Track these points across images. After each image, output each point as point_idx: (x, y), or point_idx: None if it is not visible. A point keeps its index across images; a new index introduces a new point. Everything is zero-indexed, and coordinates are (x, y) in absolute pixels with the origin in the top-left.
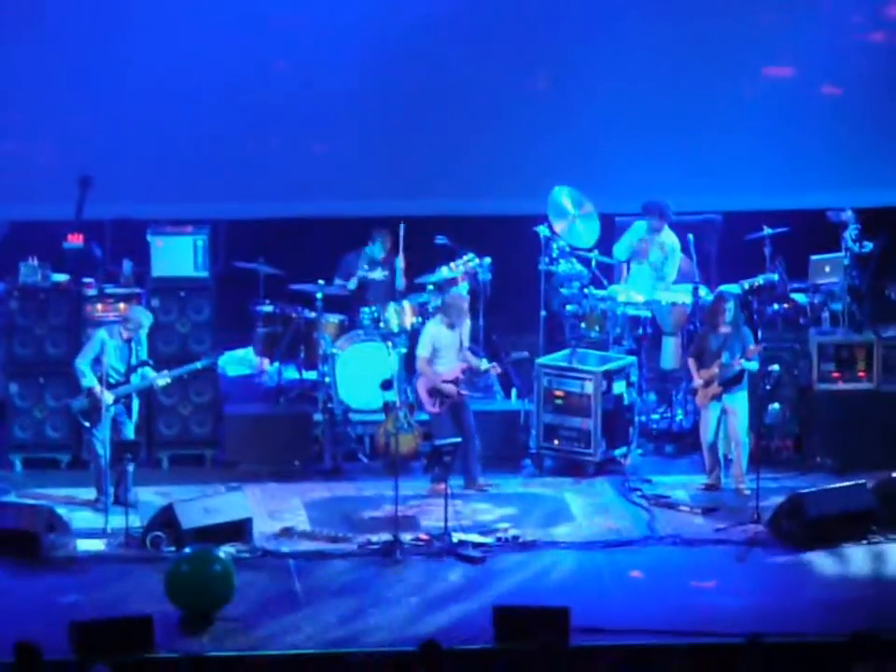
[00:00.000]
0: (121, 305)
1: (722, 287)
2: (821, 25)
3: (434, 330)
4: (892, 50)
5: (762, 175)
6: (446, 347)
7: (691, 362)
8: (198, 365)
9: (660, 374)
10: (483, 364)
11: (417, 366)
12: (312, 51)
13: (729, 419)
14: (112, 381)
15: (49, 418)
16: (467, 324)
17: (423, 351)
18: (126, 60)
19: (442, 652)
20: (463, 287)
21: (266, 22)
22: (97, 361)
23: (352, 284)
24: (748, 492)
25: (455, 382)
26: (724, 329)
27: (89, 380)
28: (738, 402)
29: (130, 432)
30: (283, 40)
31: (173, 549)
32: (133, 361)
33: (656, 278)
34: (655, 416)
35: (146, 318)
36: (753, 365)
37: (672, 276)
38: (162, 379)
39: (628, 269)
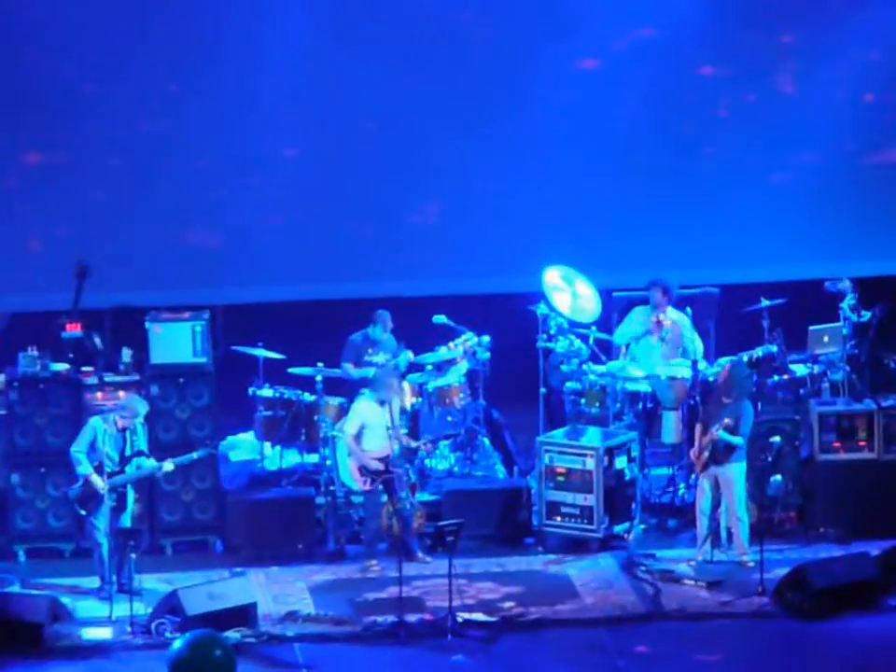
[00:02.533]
0: (121, 393)
1: (739, 358)
2: (812, 97)
3: (363, 407)
4: (885, 114)
5: (758, 248)
6: (375, 425)
7: (697, 429)
8: (194, 455)
9: (662, 449)
10: (413, 442)
11: (345, 442)
12: (311, 134)
13: (723, 492)
14: (107, 469)
15: (51, 508)
16: (396, 401)
17: (350, 428)
18: (120, 148)
19: None
20: (462, 367)
21: (262, 106)
22: (93, 449)
23: (370, 371)
24: (751, 564)
25: (384, 460)
26: (726, 401)
27: (84, 468)
28: (731, 474)
29: (126, 521)
30: (284, 125)
31: (178, 635)
32: (128, 451)
33: (673, 354)
34: (657, 491)
35: (142, 407)
36: (732, 439)
37: (694, 349)
38: (168, 465)
39: (627, 349)
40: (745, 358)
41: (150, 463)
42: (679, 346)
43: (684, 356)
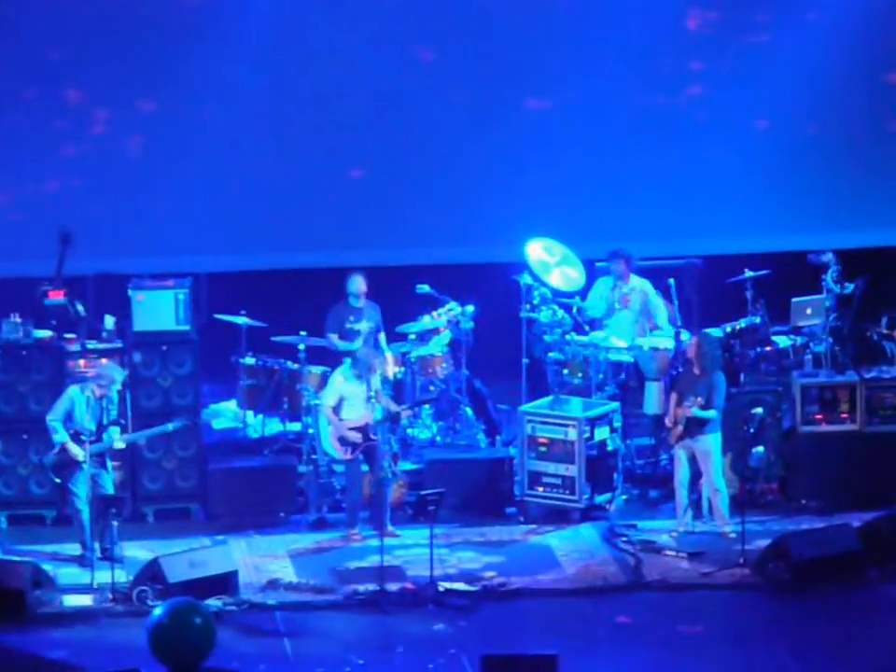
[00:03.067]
0: (103, 361)
1: (706, 331)
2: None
3: (340, 381)
4: (871, 90)
5: (742, 218)
6: (352, 395)
7: (672, 398)
8: (169, 427)
9: (644, 419)
10: (393, 407)
11: (324, 413)
12: (291, 102)
13: (701, 464)
14: (83, 438)
15: (33, 474)
16: (376, 376)
17: (327, 400)
18: (104, 111)
19: None
20: (445, 336)
21: (242, 73)
22: (69, 418)
23: (357, 342)
24: (732, 535)
25: (363, 429)
26: (697, 372)
27: (60, 436)
28: (706, 446)
29: (109, 486)
30: (264, 92)
31: (159, 603)
32: (105, 420)
33: (639, 324)
34: (640, 461)
35: (118, 374)
36: (706, 413)
37: (662, 318)
38: (119, 443)
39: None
40: (727, 329)
41: (117, 436)
42: (649, 313)
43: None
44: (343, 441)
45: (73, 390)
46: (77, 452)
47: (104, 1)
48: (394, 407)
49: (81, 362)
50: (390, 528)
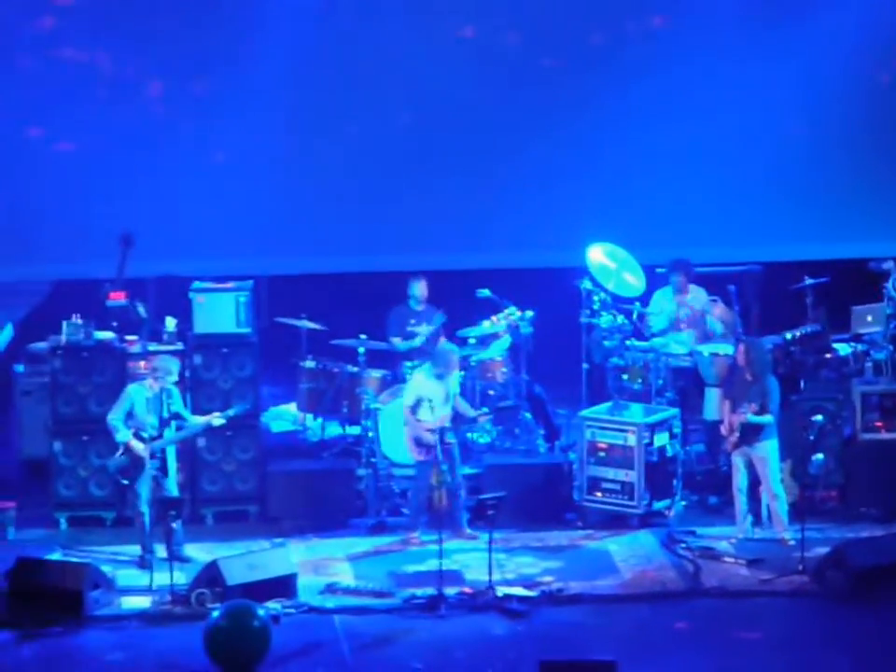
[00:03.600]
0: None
1: (753, 337)
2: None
3: (419, 380)
4: None
5: (803, 226)
6: (430, 397)
7: (725, 406)
8: (230, 413)
9: (704, 426)
10: (471, 412)
11: (404, 413)
12: (352, 107)
13: (759, 471)
14: (146, 435)
15: (93, 476)
16: (455, 374)
17: (407, 400)
18: (167, 116)
19: None
20: (505, 341)
21: (301, 79)
22: (130, 417)
23: (418, 341)
24: (791, 542)
25: (440, 431)
26: (748, 378)
27: (122, 434)
28: (763, 453)
29: (172, 488)
30: (328, 96)
31: (218, 605)
32: (165, 414)
33: (702, 337)
34: (699, 468)
35: (174, 365)
36: (761, 419)
37: (721, 327)
38: (219, 420)
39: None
40: (788, 336)
41: (197, 420)
42: (705, 326)
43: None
44: (418, 441)
45: (132, 387)
46: (139, 448)
47: None
48: (472, 412)
49: (142, 364)
50: (468, 531)
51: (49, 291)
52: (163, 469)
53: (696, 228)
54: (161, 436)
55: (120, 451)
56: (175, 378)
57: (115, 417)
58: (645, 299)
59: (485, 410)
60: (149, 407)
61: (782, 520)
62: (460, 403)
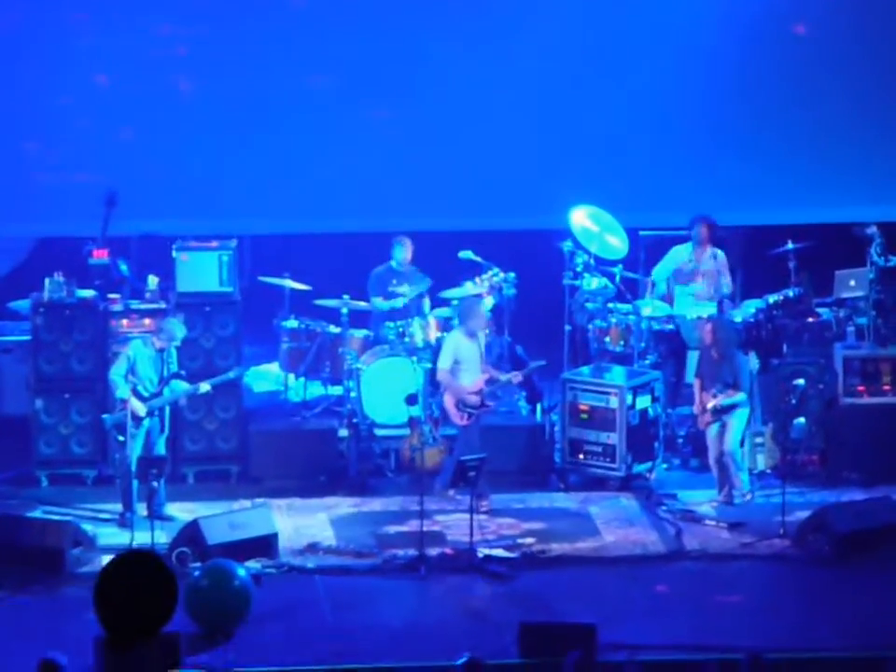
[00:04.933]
0: (146, 321)
1: (718, 315)
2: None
3: (455, 341)
4: None
5: (786, 190)
6: (468, 359)
7: (696, 383)
8: (230, 375)
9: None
10: (503, 375)
11: (439, 378)
12: (338, 69)
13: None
14: (145, 393)
15: (74, 434)
16: (482, 335)
17: (444, 363)
18: (151, 76)
19: (485, 668)
20: (488, 302)
21: (292, 41)
22: (132, 372)
23: (399, 302)
24: (748, 497)
25: (479, 393)
26: (717, 357)
27: (122, 391)
28: (732, 417)
29: (161, 447)
30: (310, 58)
31: (198, 565)
32: (165, 373)
33: (713, 293)
34: (681, 431)
35: (179, 331)
36: (734, 399)
37: (728, 287)
38: (205, 385)
39: (653, 286)
40: (770, 300)
41: (185, 385)
42: (717, 285)
43: (717, 293)
44: (459, 405)
45: (135, 343)
46: (138, 407)
47: None
48: (504, 377)
49: (124, 322)
50: (486, 502)
51: (32, 248)
52: (161, 426)
53: (680, 191)
54: (160, 393)
55: (119, 407)
56: (178, 343)
57: (116, 373)
58: (627, 262)
59: (517, 371)
60: (151, 365)
61: (739, 480)
62: (490, 368)
